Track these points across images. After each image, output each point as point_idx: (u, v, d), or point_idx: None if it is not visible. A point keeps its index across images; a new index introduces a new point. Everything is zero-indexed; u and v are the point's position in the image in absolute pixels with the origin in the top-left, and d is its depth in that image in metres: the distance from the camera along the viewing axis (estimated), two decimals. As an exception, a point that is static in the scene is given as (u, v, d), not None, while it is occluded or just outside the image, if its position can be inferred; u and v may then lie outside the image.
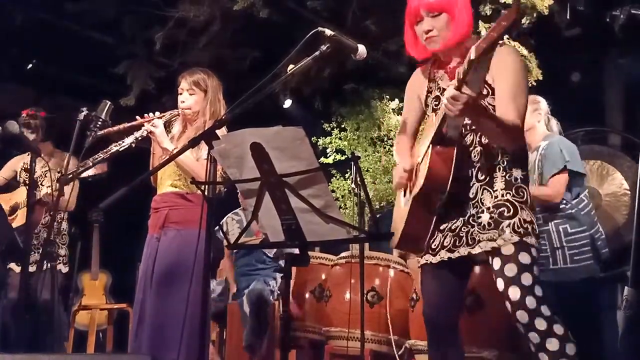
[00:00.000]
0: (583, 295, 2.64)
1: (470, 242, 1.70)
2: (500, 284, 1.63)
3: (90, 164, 2.30)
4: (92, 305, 4.65)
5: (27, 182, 2.33)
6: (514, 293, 1.60)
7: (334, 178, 4.23)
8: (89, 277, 5.00)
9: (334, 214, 1.43)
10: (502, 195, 1.70)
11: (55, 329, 3.15)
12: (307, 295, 3.32)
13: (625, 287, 2.31)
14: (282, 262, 3.43)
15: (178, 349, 2.17)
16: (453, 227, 1.75)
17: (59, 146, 3.37)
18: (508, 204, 1.68)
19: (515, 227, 1.65)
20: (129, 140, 2.33)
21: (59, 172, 2.99)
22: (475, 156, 1.75)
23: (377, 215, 3.68)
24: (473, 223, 1.71)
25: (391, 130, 4.15)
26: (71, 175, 2.37)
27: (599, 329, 2.80)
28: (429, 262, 1.78)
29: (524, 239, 1.64)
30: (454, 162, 1.67)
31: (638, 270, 2.27)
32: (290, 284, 1.52)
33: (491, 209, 1.69)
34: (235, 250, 3.57)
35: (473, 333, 2.26)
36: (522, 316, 1.59)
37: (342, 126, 4.29)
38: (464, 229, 1.72)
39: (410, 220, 1.75)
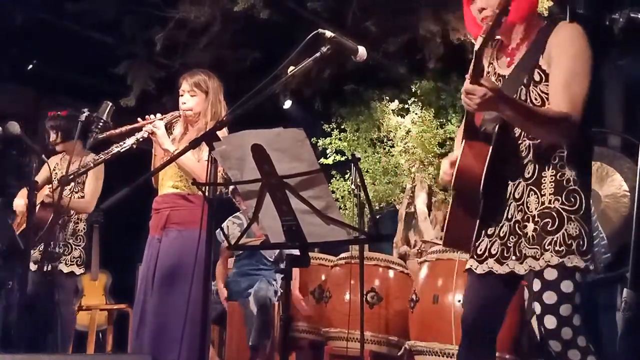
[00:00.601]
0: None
1: (519, 256, 1.55)
2: (537, 308, 1.53)
3: (92, 164, 2.30)
4: (92, 306, 4.65)
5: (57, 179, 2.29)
6: (550, 322, 1.50)
7: (334, 179, 4.23)
8: (88, 277, 4.97)
9: (335, 215, 1.44)
10: (550, 202, 1.52)
11: (64, 328, 3.15)
12: (306, 296, 3.33)
13: (625, 289, 2.31)
14: (282, 265, 3.43)
15: (179, 349, 2.17)
16: (501, 234, 1.59)
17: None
18: (554, 213, 1.51)
19: (558, 246, 1.49)
20: (130, 141, 2.33)
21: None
22: (523, 151, 1.56)
23: (377, 217, 3.68)
24: (519, 232, 1.56)
25: (391, 131, 4.15)
26: (72, 176, 2.38)
27: (598, 330, 2.81)
28: (474, 269, 1.64)
29: (566, 260, 1.48)
30: (487, 159, 1.51)
31: (637, 272, 2.26)
32: (290, 284, 1.52)
33: (536, 218, 1.53)
34: (236, 253, 3.58)
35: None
36: (555, 346, 1.50)
37: (342, 127, 4.29)
38: (512, 238, 1.57)
39: (451, 220, 1.64)
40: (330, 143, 4.23)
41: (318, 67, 3.94)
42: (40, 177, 3.18)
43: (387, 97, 4.19)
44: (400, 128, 4.11)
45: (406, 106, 4.14)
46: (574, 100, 1.49)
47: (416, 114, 4.07)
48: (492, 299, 1.64)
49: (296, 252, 1.51)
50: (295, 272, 3.31)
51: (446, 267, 2.70)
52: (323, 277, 3.36)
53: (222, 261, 3.67)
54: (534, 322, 2.70)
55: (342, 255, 3.25)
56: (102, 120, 2.32)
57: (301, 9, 3.80)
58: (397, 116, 4.17)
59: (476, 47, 1.42)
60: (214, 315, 3.51)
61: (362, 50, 1.76)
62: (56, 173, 3.14)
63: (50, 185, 2.89)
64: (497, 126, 1.56)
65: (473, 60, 1.43)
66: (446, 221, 1.67)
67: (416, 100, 4.08)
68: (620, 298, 2.65)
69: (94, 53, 4.26)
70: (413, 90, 4.08)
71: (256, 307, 3.19)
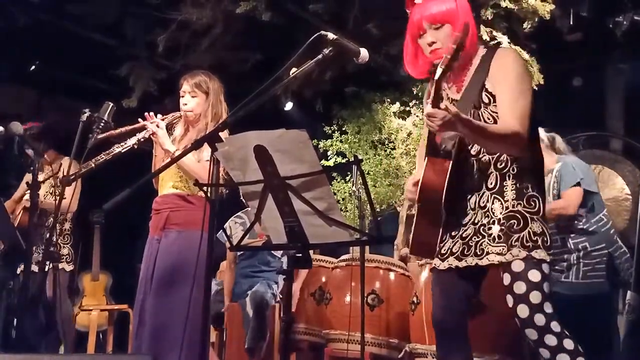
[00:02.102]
0: (584, 299, 2.65)
1: (479, 253, 1.68)
2: (509, 300, 1.63)
3: (93, 165, 2.30)
4: (93, 306, 4.65)
5: (30, 183, 2.35)
6: (523, 311, 1.60)
7: (335, 181, 4.24)
8: (89, 278, 5.00)
9: (337, 217, 1.44)
10: (513, 206, 1.68)
11: (64, 326, 3.17)
12: (307, 298, 3.32)
13: (628, 292, 2.31)
14: (284, 263, 3.43)
15: (179, 350, 2.17)
16: (464, 235, 1.73)
17: (61, 148, 3.40)
18: (518, 215, 1.67)
19: (524, 242, 1.64)
20: (131, 142, 2.34)
21: (57, 177, 3.03)
22: (482, 164, 1.73)
23: (378, 218, 3.68)
24: (483, 233, 1.70)
25: (392, 133, 4.15)
26: (73, 177, 2.38)
27: (600, 333, 2.80)
28: (437, 267, 1.77)
29: (533, 253, 1.62)
30: (448, 174, 1.67)
31: (641, 275, 2.26)
32: (292, 286, 1.52)
33: (502, 221, 1.67)
34: (238, 253, 3.58)
35: (473, 338, 2.26)
36: (531, 334, 1.60)
37: (343, 129, 4.29)
38: (475, 238, 1.71)
39: (417, 230, 1.78)
40: (332, 145, 4.23)
41: (319, 69, 3.94)
42: (19, 191, 3.26)
43: (389, 100, 4.20)
44: (401, 130, 4.11)
45: (407, 108, 4.14)
46: (520, 116, 1.65)
47: (417, 116, 4.07)
48: (454, 294, 1.75)
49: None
50: (303, 272, 3.33)
51: (447, 269, 2.70)
52: (323, 279, 3.35)
53: (230, 261, 3.66)
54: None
55: (343, 257, 3.25)
56: (103, 121, 2.32)
57: (303, 11, 3.81)
58: (399, 118, 4.17)
59: (436, 77, 1.58)
60: (212, 315, 3.51)
61: (364, 52, 1.76)
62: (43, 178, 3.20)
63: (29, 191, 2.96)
64: (455, 143, 1.71)
65: (434, 88, 1.58)
66: (412, 232, 1.80)
67: (417, 102, 4.08)
68: (622, 301, 2.65)
69: (95, 54, 4.27)
70: (414, 92, 4.08)
71: (252, 308, 3.19)
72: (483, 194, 1.72)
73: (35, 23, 3.94)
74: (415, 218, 1.78)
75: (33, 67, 4.35)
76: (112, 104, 2.42)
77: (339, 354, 2.98)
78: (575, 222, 2.70)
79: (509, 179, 1.70)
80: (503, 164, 1.71)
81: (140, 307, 2.38)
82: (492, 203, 1.70)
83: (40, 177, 3.18)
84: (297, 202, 1.43)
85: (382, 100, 4.22)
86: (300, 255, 1.49)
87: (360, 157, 4.12)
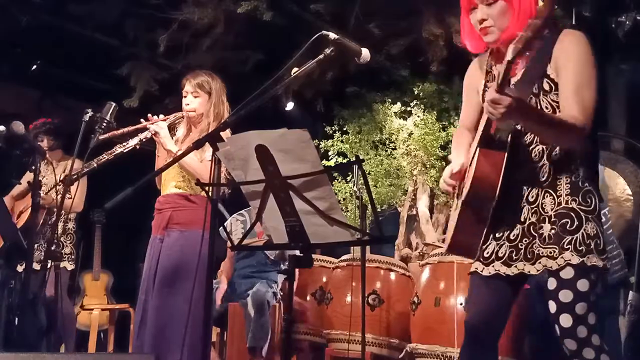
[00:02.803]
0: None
1: (530, 257, 1.55)
2: (552, 306, 1.52)
3: (95, 165, 2.31)
4: (94, 306, 4.66)
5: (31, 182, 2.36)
6: (566, 321, 1.50)
7: (336, 181, 4.23)
8: (90, 277, 5.01)
9: (338, 217, 1.44)
10: (567, 202, 1.53)
11: (66, 325, 3.18)
12: (308, 298, 3.33)
13: (630, 292, 2.31)
14: (282, 265, 3.42)
15: (181, 350, 2.17)
16: (511, 237, 1.59)
17: (67, 149, 3.42)
18: (572, 213, 1.52)
19: (578, 245, 1.49)
20: (133, 142, 2.34)
21: (62, 176, 3.04)
22: (535, 155, 1.58)
23: (379, 218, 3.68)
24: (534, 234, 1.56)
25: (393, 133, 4.15)
26: (75, 176, 2.38)
27: (601, 334, 2.80)
28: (479, 271, 1.63)
29: (585, 259, 1.49)
30: (503, 167, 1.52)
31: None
32: (293, 285, 1.52)
33: (553, 219, 1.53)
34: (236, 253, 3.58)
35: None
36: (570, 344, 1.51)
37: (344, 129, 4.29)
38: (524, 240, 1.57)
39: (459, 226, 1.63)
40: (333, 145, 4.23)
41: (321, 69, 3.94)
42: (22, 185, 3.27)
43: (390, 100, 4.19)
44: (402, 130, 4.11)
45: (408, 109, 4.14)
46: (585, 107, 1.51)
47: (418, 116, 4.07)
48: (496, 302, 1.63)
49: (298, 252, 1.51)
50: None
51: (448, 269, 2.70)
52: (324, 279, 3.36)
53: (229, 257, 3.67)
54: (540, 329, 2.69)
55: (344, 257, 3.25)
56: (105, 121, 2.33)
57: (304, 11, 3.80)
58: (400, 119, 4.17)
59: (508, 58, 1.37)
60: (213, 316, 3.51)
61: (365, 52, 1.76)
62: (44, 177, 3.21)
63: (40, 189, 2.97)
64: (510, 133, 1.57)
65: (503, 71, 1.40)
66: (453, 228, 1.66)
67: (418, 102, 4.08)
68: (623, 302, 2.65)
69: (97, 54, 4.27)
70: (415, 92, 4.08)
71: (253, 308, 3.20)
72: (533, 188, 1.57)
73: (36, 23, 3.95)
74: (458, 214, 1.62)
75: (34, 67, 4.35)
76: (114, 104, 2.43)
77: (339, 354, 2.99)
78: None
79: (564, 172, 1.55)
80: (557, 156, 1.55)
81: (143, 307, 2.38)
82: (543, 198, 1.56)
83: (46, 177, 3.20)
84: (299, 201, 1.43)
85: (383, 100, 4.22)
86: (301, 255, 1.49)
87: (361, 157, 4.13)
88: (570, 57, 1.53)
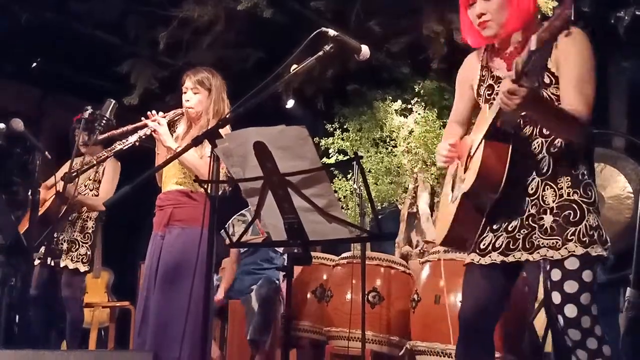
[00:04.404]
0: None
1: (529, 247, 1.55)
2: (556, 297, 1.53)
3: (94, 161, 2.31)
4: (94, 303, 4.66)
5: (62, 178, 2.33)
6: (571, 311, 1.51)
7: (336, 178, 4.23)
8: (91, 275, 5.01)
9: (337, 214, 1.44)
10: (569, 194, 1.54)
11: (72, 325, 3.17)
12: (308, 296, 3.33)
13: (628, 289, 2.30)
14: (284, 260, 3.44)
15: (180, 346, 2.18)
16: (509, 228, 1.59)
17: (64, 145, 3.40)
18: (575, 205, 1.53)
19: (581, 236, 1.51)
20: (132, 139, 2.34)
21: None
22: (535, 148, 1.59)
23: (379, 216, 3.69)
24: (533, 225, 1.56)
25: (393, 131, 4.14)
26: (75, 173, 2.39)
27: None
28: (475, 262, 1.63)
29: (590, 250, 1.50)
30: (509, 159, 1.52)
31: (641, 272, 2.25)
32: (292, 282, 1.52)
33: (555, 210, 1.54)
34: (242, 250, 3.59)
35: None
36: (574, 334, 1.52)
37: (345, 127, 4.28)
38: (523, 231, 1.57)
39: (457, 219, 1.62)
40: (333, 143, 4.22)
41: (321, 66, 3.94)
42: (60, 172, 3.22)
43: (390, 97, 4.18)
44: (403, 128, 4.10)
45: (409, 106, 4.13)
46: (586, 100, 1.53)
47: (419, 114, 4.06)
48: (491, 291, 1.63)
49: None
50: None
51: (448, 267, 2.70)
52: (324, 277, 3.35)
53: (234, 257, 3.67)
54: (536, 322, 2.69)
55: (344, 254, 3.25)
56: (105, 118, 2.33)
57: (304, 8, 3.80)
58: (400, 116, 4.16)
59: (533, 47, 1.34)
60: (215, 308, 3.52)
61: (365, 49, 1.75)
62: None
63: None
64: (515, 126, 1.57)
65: (524, 60, 1.37)
66: (450, 223, 1.65)
67: (419, 100, 4.07)
68: (621, 299, 2.64)
69: (97, 52, 4.27)
70: (416, 90, 4.07)
71: (257, 303, 3.21)
72: (532, 179, 1.58)
73: (37, 21, 3.95)
74: (457, 206, 1.61)
75: (34, 64, 4.36)
76: (114, 101, 2.43)
77: (339, 351, 2.98)
78: None
79: (564, 165, 1.56)
80: (557, 148, 1.57)
81: (144, 303, 2.38)
82: (543, 190, 1.56)
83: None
84: (297, 199, 1.43)
85: (384, 98, 4.21)
86: (300, 252, 1.49)
87: (361, 154, 4.12)
88: (571, 53, 1.54)
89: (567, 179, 1.56)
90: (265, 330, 3.19)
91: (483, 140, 1.56)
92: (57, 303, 3.14)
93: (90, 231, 3.29)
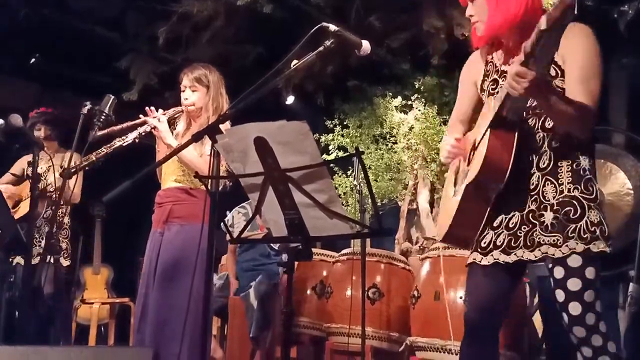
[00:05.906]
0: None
1: (529, 244, 1.54)
2: (560, 295, 1.52)
3: (94, 158, 2.30)
4: (94, 300, 4.67)
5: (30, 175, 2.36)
6: (575, 309, 1.50)
7: (336, 175, 4.23)
8: (90, 271, 5.02)
9: (337, 209, 1.43)
10: (569, 190, 1.53)
11: (62, 321, 3.18)
12: (308, 292, 3.33)
13: (631, 284, 2.30)
14: (284, 256, 3.43)
15: (180, 342, 2.18)
16: (510, 225, 1.58)
17: (63, 142, 3.41)
18: (575, 202, 1.51)
19: (582, 233, 1.50)
20: (132, 135, 2.33)
21: (61, 168, 3.03)
22: (538, 141, 1.57)
23: (379, 212, 3.69)
24: (534, 221, 1.55)
25: (393, 127, 4.14)
26: (74, 169, 2.38)
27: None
28: (478, 261, 1.63)
29: (591, 246, 1.49)
30: (514, 147, 1.50)
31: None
32: (292, 278, 1.52)
33: (555, 207, 1.52)
34: (239, 245, 3.59)
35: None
36: (578, 331, 1.51)
37: (345, 123, 4.28)
38: (524, 227, 1.56)
39: (460, 212, 1.60)
40: (333, 139, 4.22)
41: (321, 62, 3.93)
42: (14, 169, 3.24)
43: (390, 94, 4.17)
44: (403, 124, 4.09)
45: (409, 102, 4.12)
46: (592, 94, 1.52)
47: (419, 110, 4.05)
48: (495, 291, 1.62)
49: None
50: None
51: (448, 263, 2.70)
52: (325, 273, 3.36)
53: (231, 251, 3.67)
54: (536, 319, 2.69)
55: (344, 251, 3.25)
56: (104, 114, 2.32)
57: (304, 4, 3.79)
58: (400, 112, 4.15)
59: (543, 27, 1.30)
60: (215, 308, 3.52)
61: (366, 45, 1.74)
62: (42, 168, 3.20)
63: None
64: (521, 115, 1.55)
65: (533, 41, 1.34)
66: (452, 217, 1.63)
67: (419, 96, 4.06)
68: (622, 295, 2.65)
69: (96, 47, 4.26)
70: (416, 86, 4.06)
71: (257, 299, 3.21)
72: (533, 174, 1.56)
73: (36, 17, 3.93)
74: (461, 199, 1.59)
75: (33, 60, 4.34)
76: (113, 97, 2.42)
77: (339, 347, 2.99)
78: None
79: (565, 160, 1.54)
80: (558, 144, 1.55)
81: (143, 300, 2.38)
82: (544, 186, 1.55)
83: (42, 164, 3.19)
84: (298, 194, 1.42)
85: (384, 94, 4.20)
86: (300, 247, 1.49)
87: (362, 150, 4.11)
88: (577, 48, 1.53)
89: (568, 174, 1.55)
90: (265, 326, 3.19)
91: (488, 130, 1.54)
92: (55, 300, 3.14)
93: (67, 226, 3.33)
